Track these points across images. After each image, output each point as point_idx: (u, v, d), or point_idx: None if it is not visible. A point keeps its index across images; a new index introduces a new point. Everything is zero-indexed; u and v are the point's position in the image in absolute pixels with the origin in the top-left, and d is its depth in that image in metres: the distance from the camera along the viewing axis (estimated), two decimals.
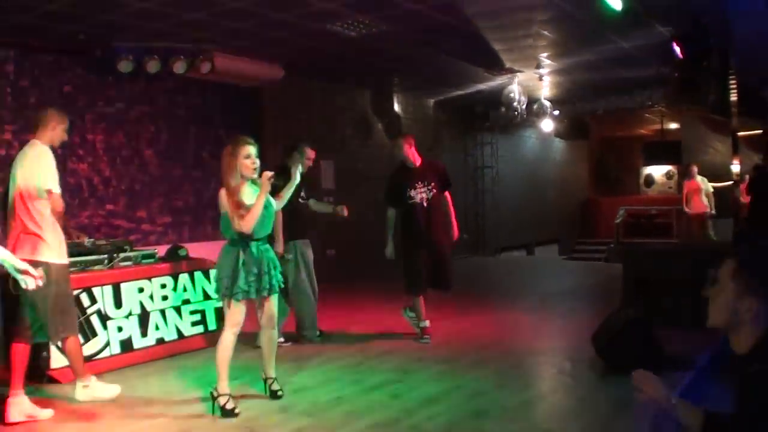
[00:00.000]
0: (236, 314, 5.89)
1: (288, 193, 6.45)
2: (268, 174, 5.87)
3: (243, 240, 5.88)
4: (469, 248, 19.16)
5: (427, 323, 8.64)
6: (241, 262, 5.84)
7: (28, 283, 3.87)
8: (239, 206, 5.79)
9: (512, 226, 21.49)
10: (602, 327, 7.23)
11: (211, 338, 8.42)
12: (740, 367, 2.45)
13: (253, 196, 5.88)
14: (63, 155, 10.28)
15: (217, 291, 6.00)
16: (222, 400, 5.89)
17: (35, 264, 5.45)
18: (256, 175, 5.96)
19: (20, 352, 5.98)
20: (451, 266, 8.69)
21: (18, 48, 9.83)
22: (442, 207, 8.55)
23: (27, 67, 10.00)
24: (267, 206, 5.95)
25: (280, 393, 6.30)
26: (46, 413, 5.91)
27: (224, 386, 5.93)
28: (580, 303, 11.60)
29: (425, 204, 8.39)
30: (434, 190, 8.44)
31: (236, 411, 5.87)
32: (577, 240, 25.17)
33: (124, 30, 9.46)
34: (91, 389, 6.30)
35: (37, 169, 5.91)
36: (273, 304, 6.18)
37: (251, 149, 5.92)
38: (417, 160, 8.55)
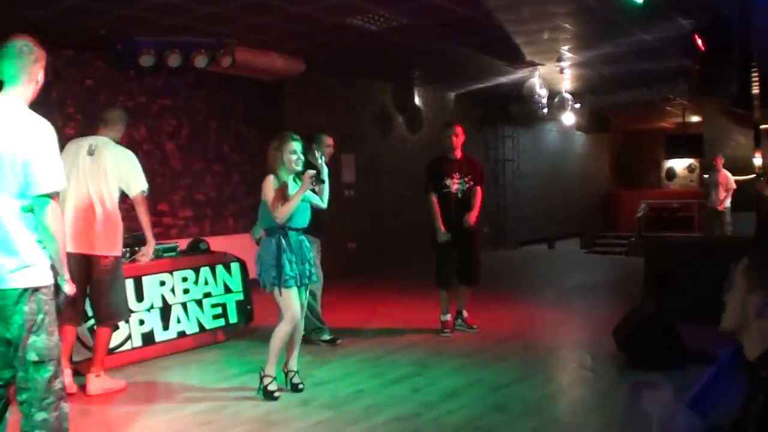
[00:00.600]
0: (292, 304, 6.03)
1: (326, 186, 6.48)
2: (311, 173, 6.03)
3: (281, 229, 6.03)
4: (490, 242, 19.13)
5: (449, 317, 8.65)
6: (283, 249, 6.00)
7: (68, 290, 4.06)
8: (282, 198, 5.98)
9: (533, 220, 21.44)
10: (623, 321, 7.20)
11: (232, 331, 8.46)
12: (751, 372, 2.43)
13: (293, 190, 6.07)
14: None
15: (264, 284, 6.10)
16: (266, 381, 6.09)
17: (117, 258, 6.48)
18: (300, 168, 6.14)
19: (68, 333, 6.25)
20: (479, 262, 8.71)
21: (39, 43, 9.86)
22: (474, 201, 8.57)
23: (49, 62, 9.96)
24: (304, 199, 6.12)
25: (301, 386, 6.33)
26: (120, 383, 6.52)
27: (272, 369, 6.12)
28: (601, 297, 11.56)
29: (459, 195, 8.44)
30: (470, 183, 8.50)
31: (276, 395, 6.05)
32: (599, 234, 25.09)
33: (145, 24, 9.49)
34: (102, 380, 6.49)
35: (133, 171, 6.49)
36: (305, 294, 6.32)
37: (296, 145, 6.12)
38: (459, 153, 8.59)
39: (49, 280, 3.86)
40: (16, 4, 8.35)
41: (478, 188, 8.61)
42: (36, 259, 3.81)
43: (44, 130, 3.92)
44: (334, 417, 5.67)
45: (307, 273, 6.17)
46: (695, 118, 22.36)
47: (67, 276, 4.02)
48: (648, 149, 27.26)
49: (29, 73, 4.23)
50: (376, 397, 6.15)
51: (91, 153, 6.41)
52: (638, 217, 21.15)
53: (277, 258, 5.98)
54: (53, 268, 3.94)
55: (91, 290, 6.49)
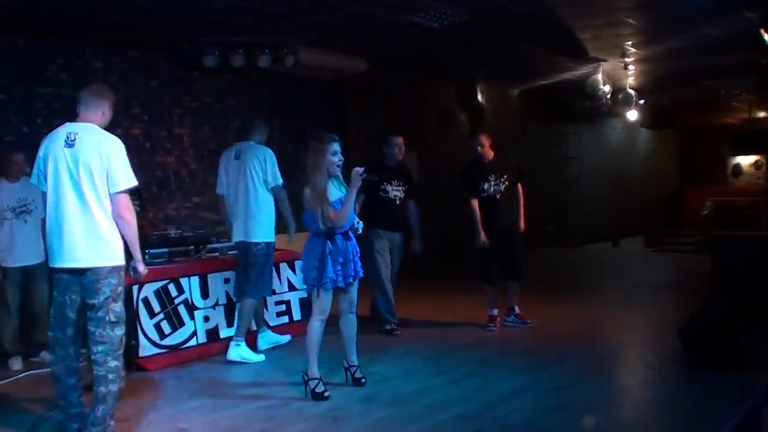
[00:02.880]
0: (324, 302, 6.07)
1: None
2: (359, 170, 6.00)
3: (327, 233, 6.02)
4: (552, 240, 18.98)
5: (495, 312, 8.80)
6: (327, 252, 6.00)
7: (142, 270, 5.19)
8: (327, 204, 5.96)
9: (597, 218, 21.20)
10: (689, 321, 7.10)
11: (295, 328, 8.52)
12: None
13: (335, 192, 6.06)
14: (151, 149, 10.52)
15: (305, 282, 6.21)
16: (312, 384, 6.09)
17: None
18: (339, 172, 6.13)
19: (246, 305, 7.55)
20: (522, 256, 8.84)
21: (106, 45, 10.05)
22: (513, 199, 8.79)
23: (115, 63, 10.22)
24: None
25: (363, 380, 6.39)
26: (260, 357, 7.54)
27: (314, 370, 6.13)
28: (667, 296, 11.42)
29: (497, 196, 8.62)
30: (506, 183, 8.66)
31: (326, 395, 6.05)
32: (664, 231, 24.73)
33: (208, 25, 9.58)
34: (241, 349, 7.41)
35: (271, 167, 7.67)
36: (355, 290, 6.33)
37: (337, 146, 6.08)
38: (490, 155, 8.76)
39: (123, 260, 4.96)
40: (82, 7, 8.49)
41: (520, 187, 8.86)
42: (117, 243, 4.92)
43: (118, 142, 5.01)
44: (396, 414, 5.70)
45: (352, 272, 6.16)
46: (762, 114, 21.95)
47: (140, 258, 5.09)
48: (713, 146, 26.77)
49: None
50: (437, 395, 6.16)
51: (237, 157, 7.63)
52: (704, 214, 20.83)
53: (321, 260, 6.00)
54: (127, 251, 5.02)
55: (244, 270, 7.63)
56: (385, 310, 8.58)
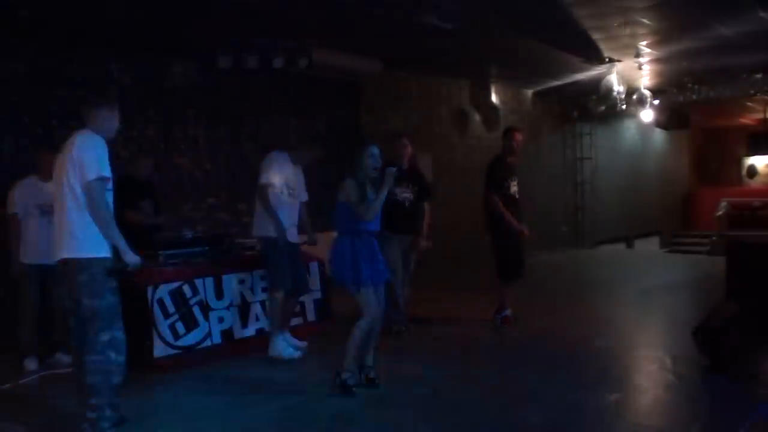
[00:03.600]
0: (371, 301, 6.20)
1: None
2: (392, 169, 6.26)
3: (355, 230, 6.23)
4: (567, 241, 18.95)
5: (509, 312, 8.86)
6: (358, 249, 6.20)
7: (129, 260, 5.14)
8: (363, 199, 6.19)
9: (611, 219, 21.11)
10: (704, 322, 7.07)
11: (310, 329, 8.53)
12: None
13: (369, 192, 6.29)
14: (166, 150, 10.53)
15: (338, 282, 6.34)
16: (345, 375, 6.20)
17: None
18: (376, 174, 6.36)
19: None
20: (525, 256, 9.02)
21: (121, 47, 10.07)
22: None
23: (129, 65, 10.23)
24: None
25: (377, 381, 6.40)
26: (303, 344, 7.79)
27: (350, 363, 6.22)
28: (682, 297, 11.39)
29: (517, 196, 8.77)
30: (517, 184, 8.83)
31: (353, 390, 6.14)
32: (679, 232, 24.63)
33: (223, 26, 9.60)
34: (279, 346, 7.54)
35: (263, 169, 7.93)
36: (382, 291, 6.44)
37: (375, 150, 6.35)
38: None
39: (103, 254, 5.04)
40: (96, 7, 8.51)
41: None
42: (92, 235, 5.00)
43: (91, 139, 5.10)
44: (411, 415, 5.71)
45: (379, 271, 6.31)
46: None
47: (123, 248, 5.08)
48: (728, 146, 26.69)
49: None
50: (453, 396, 6.17)
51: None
52: (719, 215, 20.76)
53: (354, 258, 6.15)
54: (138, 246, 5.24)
55: None
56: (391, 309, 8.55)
